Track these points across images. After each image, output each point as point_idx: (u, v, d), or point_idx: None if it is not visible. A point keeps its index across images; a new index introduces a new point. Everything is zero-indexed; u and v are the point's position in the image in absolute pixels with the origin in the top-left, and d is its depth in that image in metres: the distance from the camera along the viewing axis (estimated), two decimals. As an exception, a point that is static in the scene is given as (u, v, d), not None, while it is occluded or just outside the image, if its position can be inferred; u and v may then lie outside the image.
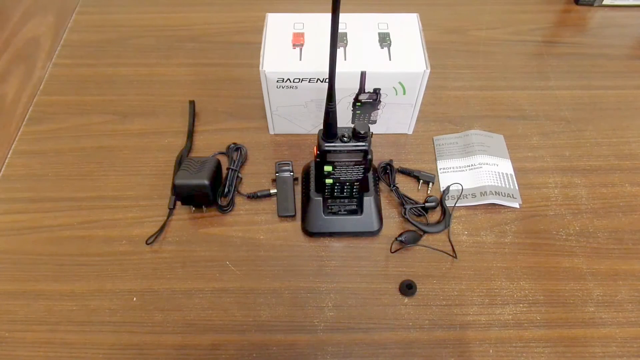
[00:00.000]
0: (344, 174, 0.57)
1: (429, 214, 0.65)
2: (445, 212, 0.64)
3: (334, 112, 0.51)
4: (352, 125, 0.53)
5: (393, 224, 0.64)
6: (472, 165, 0.68)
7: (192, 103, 0.75)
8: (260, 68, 0.62)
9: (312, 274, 0.60)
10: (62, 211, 0.65)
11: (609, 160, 0.70)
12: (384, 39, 0.64)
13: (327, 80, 0.54)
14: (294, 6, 0.74)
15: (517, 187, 0.67)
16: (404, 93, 0.65)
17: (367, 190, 0.62)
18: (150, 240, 0.62)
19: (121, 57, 0.83)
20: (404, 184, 0.67)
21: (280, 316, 0.57)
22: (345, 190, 0.60)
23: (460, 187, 0.66)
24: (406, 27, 0.66)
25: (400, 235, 0.62)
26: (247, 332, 0.56)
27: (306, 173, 0.65)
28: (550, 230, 0.63)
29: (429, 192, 0.67)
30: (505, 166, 0.68)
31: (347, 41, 0.64)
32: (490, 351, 0.55)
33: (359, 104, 0.66)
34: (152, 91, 0.78)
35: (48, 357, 0.54)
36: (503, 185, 0.66)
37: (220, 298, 0.58)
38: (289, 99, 0.65)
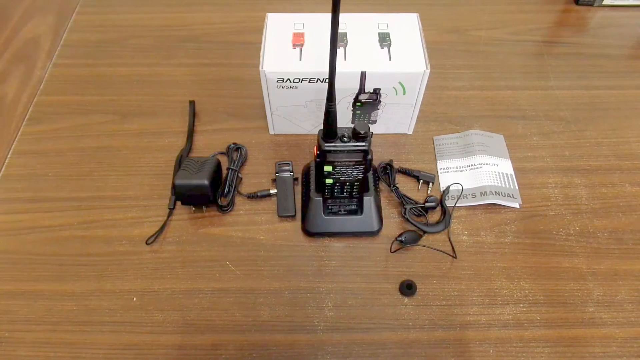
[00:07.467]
0: (344, 174, 0.57)
1: (429, 214, 0.65)
2: (445, 212, 0.64)
3: (334, 112, 0.51)
4: (352, 125, 0.53)
5: (393, 224, 0.64)
6: (472, 165, 0.68)
7: (192, 103, 0.75)
8: (260, 68, 0.62)
9: (312, 274, 0.60)
10: (62, 211, 0.65)
11: (609, 160, 0.70)
12: (384, 39, 0.64)
13: (327, 80, 0.54)
14: (294, 6, 0.74)
15: (517, 187, 0.67)
16: (404, 93, 0.65)
17: (367, 190, 0.62)
18: (150, 240, 0.62)
19: (121, 57, 0.83)
20: (404, 184, 0.67)
21: (280, 316, 0.57)
22: (345, 190, 0.60)
23: (460, 187, 0.66)
24: (406, 27, 0.66)
25: (400, 235, 0.62)
26: (247, 332, 0.56)
27: (306, 173, 0.65)
28: (550, 230, 0.63)
29: (429, 192, 0.67)
30: (505, 166, 0.68)
31: (347, 41, 0.64)
32: (490, 351, 0.55)
33: (359, 104, 0.66)
34: (152, 91, 0.78)
35: (48, 357, 0.54)
36: (503, 185, 0.66)
37: (220, 298, 0.58)
38: (289, 99, 0.65)
